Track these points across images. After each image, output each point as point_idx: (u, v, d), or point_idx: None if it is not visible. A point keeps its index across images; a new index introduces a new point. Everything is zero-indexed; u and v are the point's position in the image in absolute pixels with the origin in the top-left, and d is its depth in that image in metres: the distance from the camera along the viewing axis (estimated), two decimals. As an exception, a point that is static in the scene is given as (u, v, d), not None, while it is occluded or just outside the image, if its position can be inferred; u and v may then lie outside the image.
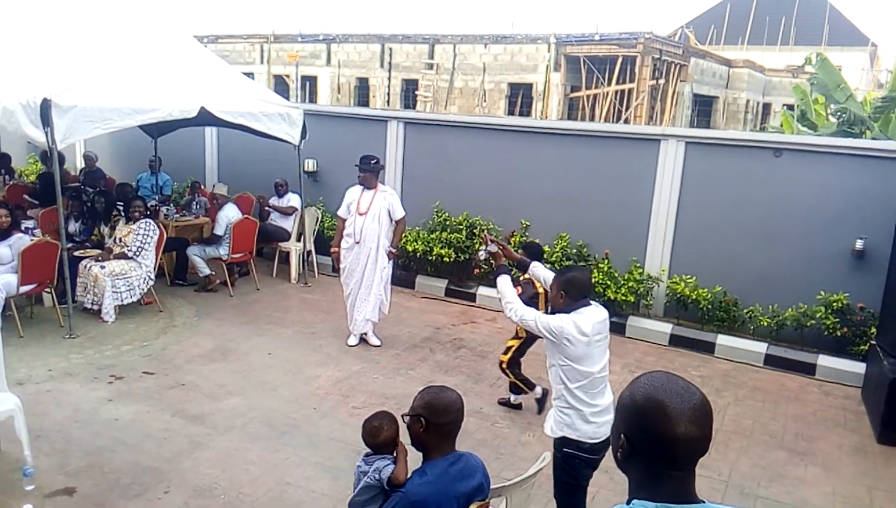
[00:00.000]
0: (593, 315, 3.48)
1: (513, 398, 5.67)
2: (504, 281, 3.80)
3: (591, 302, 3.55)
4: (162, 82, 7.21)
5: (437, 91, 25.28)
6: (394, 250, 6.87)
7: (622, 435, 1.45)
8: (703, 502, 1.42)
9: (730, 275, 7.41)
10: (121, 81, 6.82)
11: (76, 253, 7.35)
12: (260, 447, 4.79)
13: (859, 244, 6.80)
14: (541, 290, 5.00)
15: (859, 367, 6.56)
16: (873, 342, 6.31)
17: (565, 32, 23.46)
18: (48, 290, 6.99)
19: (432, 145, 9.26)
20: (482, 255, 4.29)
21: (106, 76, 6.76)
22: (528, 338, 5.40)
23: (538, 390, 5.51)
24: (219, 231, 8.31)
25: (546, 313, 3.79)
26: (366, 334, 6.92)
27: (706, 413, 1.42)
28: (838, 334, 6.75)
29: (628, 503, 1.43)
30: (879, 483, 4.85)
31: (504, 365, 5.54)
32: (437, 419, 2.61)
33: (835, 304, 6.79)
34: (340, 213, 6.83)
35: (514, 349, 5.53)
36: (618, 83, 22.47)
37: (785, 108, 24.03)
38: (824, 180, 7.05)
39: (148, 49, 7.64)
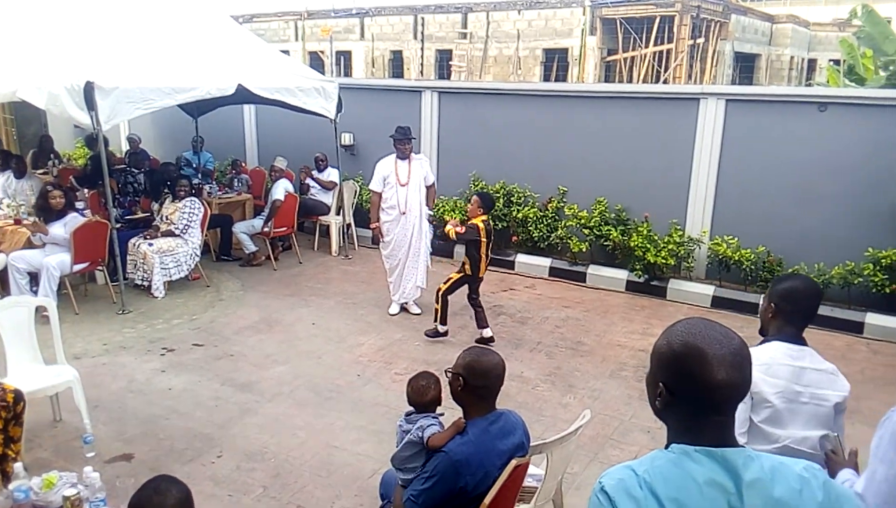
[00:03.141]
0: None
1: (440, 327, 6.29)
2: None
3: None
4: (200, 62, 7.33)
5: (472, 60, 25.05)
6: (431, 214, 7.07)
7: (660, 384, 1.45)
8: (744, 447, 1.42)
9: (773, 235, 7.27)
10: (160, 61, 6.96)
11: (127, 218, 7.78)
12: (306, 412, 4.93)
13: (909, 199, 6.61)
14: (484, 239, 6.00)
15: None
16: (924, 299, 6.15)
17: (600, -5, 22.96)
18: (100, 268, 7.23)
19: (467, 114, 9.23)
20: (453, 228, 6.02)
21: (145, 57, 6.90)
22: (471, 277, 6.15)
23: (446, 329, 6.30)
24: (279, 195, 8.50)
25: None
26: (406, 303, 7.01)
27: (745, 358, 1.41)
28: (887, 290, 6.59)
29: (667, 447, 1.44)
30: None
31: (441, 292, 6.20)
32: (475, 381, 2.67)
33: (884, 260, 6.61)
34: (374, 187, 6.86)
35: (454, 280, 6.21)
36: (656, 44, 21.94)
37: (831, 63, 23.17)
38: (871, 134, 6.83)
39: (185, 29, 7.76)
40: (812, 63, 28.97)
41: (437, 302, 6.24)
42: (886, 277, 6.60)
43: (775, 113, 7.33)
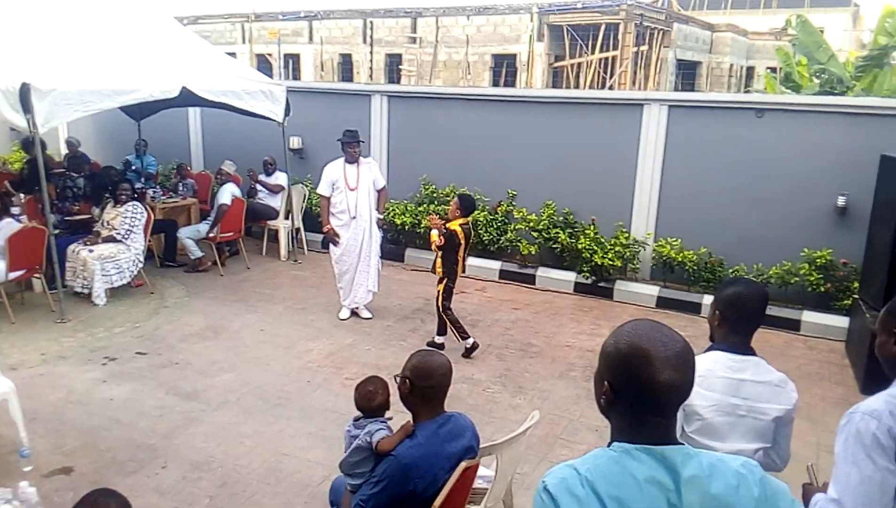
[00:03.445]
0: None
1: (467, 343, 6.08)
2: None
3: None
4: (142, 63, 7.16)
5: (421, 65, 25.10)
6: (381, 217, 6.98)
7: (606, 382, 1.47)
8: (683, 444, 1.45)
9: (715, 236, 7.48)
10: (100, 63, 6.77)
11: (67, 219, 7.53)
12: (254, 420, 4.85)
13: (841, 201, 6.88)
14: (462, 242, 5.90)
15: (843, 321, 6.68)
16: (856, 297, 6.42)
17: (548, 2, 23.29)
18: (38, 276, 6.99)
19: (417, 118, 9.24)
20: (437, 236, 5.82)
21: (85, 58, 6.70)
22: (444, 278, 6.03)
23: (473, 341, 6.09)
24: (225, 199, 8.35)
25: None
26: (357, 307, 6.97)
27: (689, 361, 1.44)
28: (822, 289, 6.86)
29: (609, 446, 1.47)
30: (862, 432, 4.96)
31: (441, 309, 6.06)
32: (421, 382, 2.68)
33: (818, 260, 6.88)
34: (323, 191, 6.79)
35: (441, 289, 6.06)
36: (601, 51, 22.38)
37: (768, 71, 24.01)
38: (806, 139, 7.10)
39: (127, 30, 7.57)
40: (750, 70, 29.96)
41: (447, 320, 6.07)
42: (821, 276, 6.87)
43: (715, 119, 7.56)
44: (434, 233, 5.90)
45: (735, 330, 2.46)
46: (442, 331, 6.21)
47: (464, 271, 6.26)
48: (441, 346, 6.15)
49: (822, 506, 1.43)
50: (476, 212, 8.56)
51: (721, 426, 2.42)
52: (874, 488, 1.87)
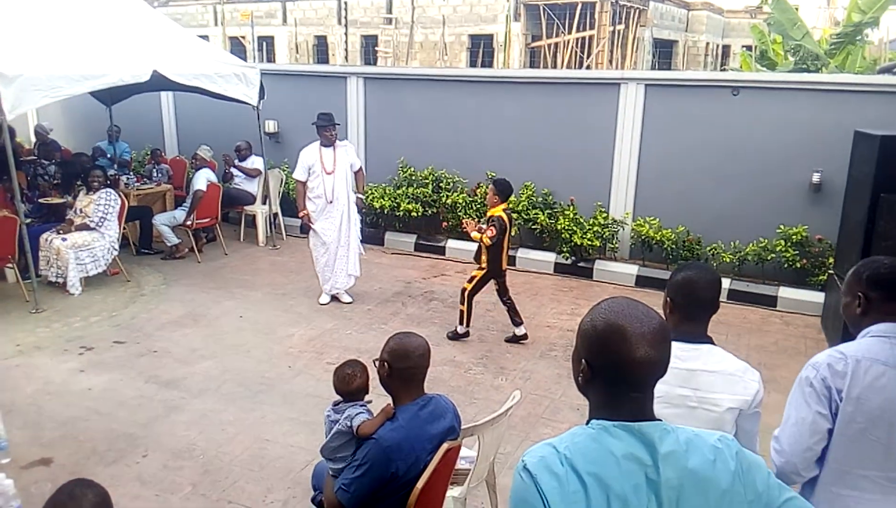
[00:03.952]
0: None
1: (459, 328, 6.02)
2: None
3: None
4: (112, 47, 6.99)
5: (398, 46, 24.89)
6: (361, 197, 6.93)
7: (583, 360, 1.48)
8: (660, 420, 1.46)
9: (692, 214, 7.54)
10: (69, 47, 6.60)
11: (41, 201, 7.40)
12: (236, 407, 4.83)
13: (816, 178, 6.96)
14: (507, 227, 5.67)
15: (818, 297, 6.78)
16: (831, 272, 6.51)
17: (524, -19, 23.17)
18: (10, 265, 6.86)
19: (394, 100, 9.16)
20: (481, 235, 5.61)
21: (53, 43, 6.53)
22: (490, 272, 5.82)
23: (466, 330, 6.02)
24: (201, 185, 8.23)
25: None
26: (337, 292, 6.94)
27: (665, 337, 1.46)
28: (798, 266, 6.95)
29: (588, 423, 1.47)
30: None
31: (466, 292, 5.90)
32: (399, 363, 2.68)
33: (794, 237, 6.96)
34: (299, 176, 6.72)
35: (477, 278, 5.87)
36: (578, 31, 22.33)
37: (744, 49, 24.12)
38: (781, 116, 7.15)
39: (96, 13, 7.38)
40: (726, 49, 30.12)
41: (463, 303, 5.95)
42: (797, 252, 6.96)
43: (692, 97, 7.58)
44: (475, 234, 5.66)
45: (687, 317, 2.31)
46: (518, 319, 6.00)
47: (507, 265, 5.95)
48: (524, 337, 6.00)
49: (759, 462, 1.49)
50: (455, 194, 8.54)
51: (671, 419, 2.26)
52: (805, 428, 2.16)
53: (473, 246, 8.48)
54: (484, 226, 5.72)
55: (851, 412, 2.11)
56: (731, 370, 2.24)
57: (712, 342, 2.31)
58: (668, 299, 2.38)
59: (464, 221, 5.97)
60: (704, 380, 2.23)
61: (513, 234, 5.87)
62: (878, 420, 2.10)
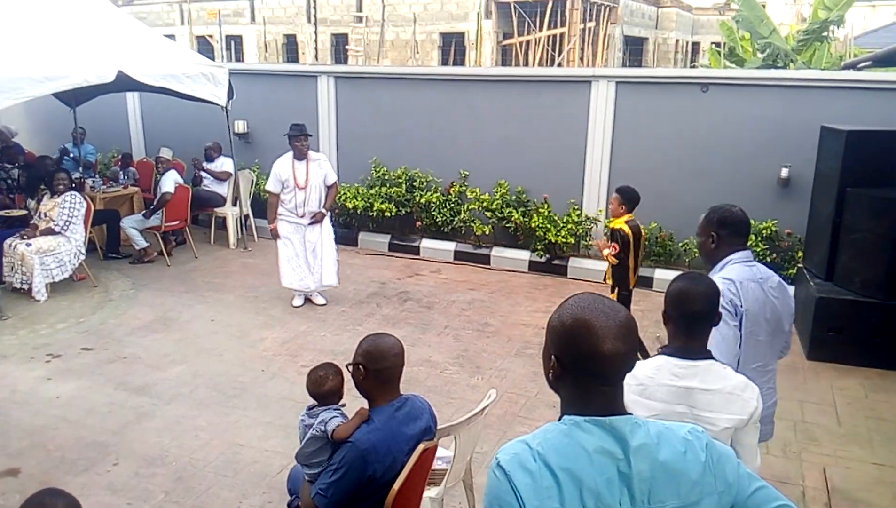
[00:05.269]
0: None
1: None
2: None
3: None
4: (76, 47, 6.83)
5: (368, 45, 24.78)
6: (324, 212, 6.74)
7: (553, 356, 1.50)
8: (631, 414, 1.48)
9: (664, 211, 7.58)
10: (30, 47, 6.45)
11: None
12: (209, 412, 4.75)
13: (784, 172, 7.05)
14: (631, 240, 5.04)
15: (789, 290, 6.85)
16: (801, 266, 6.60)
17: (494, -21, 23.19)
18: (-28, 272, 6.69)
19: (365, 99, 9.10)
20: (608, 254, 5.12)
21: (13, 43, 6.37)
22: (619, 293, 5.19)
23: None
24: (168, 187, 8.07)
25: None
26: (311, 294, 6.87)
27: (631, 330, 1.47)
28: (768, 259, 7.02)
29: (560, 419, 1.49)
30: (809, 396, 5.13)
31: None
32: (374, 365, 2.65)
33: (764, 231, 7.05)
34: (272, 188, 6.61)
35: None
36: (549, 28, 22.42)
37: (713, 45, 24.42)
38: (750, 112, 7.23)
39: (59, 13, 7.20)
40: (696, 46, 30.49)
41: None
42: (767, 247, 7.05)
43: (662, 94, 7.64)
44: (606, 252, 5.11)
45: (682, 331, 2.25)
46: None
47: (636, 279, 5.33)
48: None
49: (728, 452, 1.56)
50: (429, 193, 8.50)
51: None
52: (731, 341, 2.72)
53: (449, 245, 8.52)
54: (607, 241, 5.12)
55: (745, 322, 2.76)
56: (729, 388, 2.19)
57: (711, 357, 2.25)
58: (663, 311, 2.32)
59: (595, 242, 5.33)
60: (701, 399, 2.18)
61: (642, 249, 5.28)
62: (758, 323, 2.80)
